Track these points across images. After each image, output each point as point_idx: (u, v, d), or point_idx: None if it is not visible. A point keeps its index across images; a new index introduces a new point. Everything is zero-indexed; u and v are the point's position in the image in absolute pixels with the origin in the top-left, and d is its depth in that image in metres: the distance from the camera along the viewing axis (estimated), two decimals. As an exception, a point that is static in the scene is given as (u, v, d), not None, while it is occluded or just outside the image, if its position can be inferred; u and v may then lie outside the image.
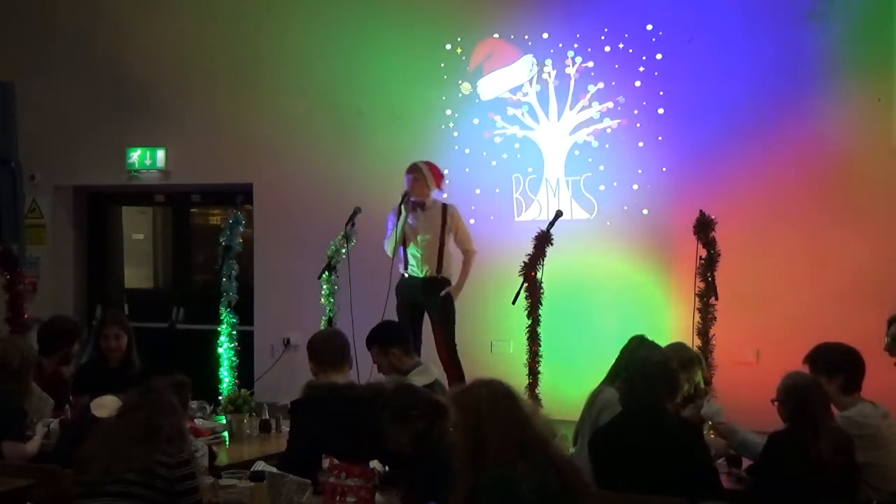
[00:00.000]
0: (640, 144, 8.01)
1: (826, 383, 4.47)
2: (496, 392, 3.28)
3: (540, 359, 6.96)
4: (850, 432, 4.28)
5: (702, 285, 6.67)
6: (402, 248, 7.37)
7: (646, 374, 4.28)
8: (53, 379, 5.71)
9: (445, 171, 8.27)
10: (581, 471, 3.37)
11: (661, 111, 7.94)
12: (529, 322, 6.93)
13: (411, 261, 7.36)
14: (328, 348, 5.00)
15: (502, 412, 3.20)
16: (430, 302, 7.30)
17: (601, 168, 8.12)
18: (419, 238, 7.32)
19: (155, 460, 3.75)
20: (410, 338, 5.41)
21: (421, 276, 7.34)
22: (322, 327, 7.23)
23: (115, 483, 3.72)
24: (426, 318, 7.41)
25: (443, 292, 7.27)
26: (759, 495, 4.30)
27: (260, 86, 9.19)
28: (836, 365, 4.58)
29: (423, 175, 7.36)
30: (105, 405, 4.58)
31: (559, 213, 7.24)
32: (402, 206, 7.33)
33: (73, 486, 3.85)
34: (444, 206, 7.39)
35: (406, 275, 7.39)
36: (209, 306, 8.15)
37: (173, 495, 3.75)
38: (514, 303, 6.91)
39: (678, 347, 5.18)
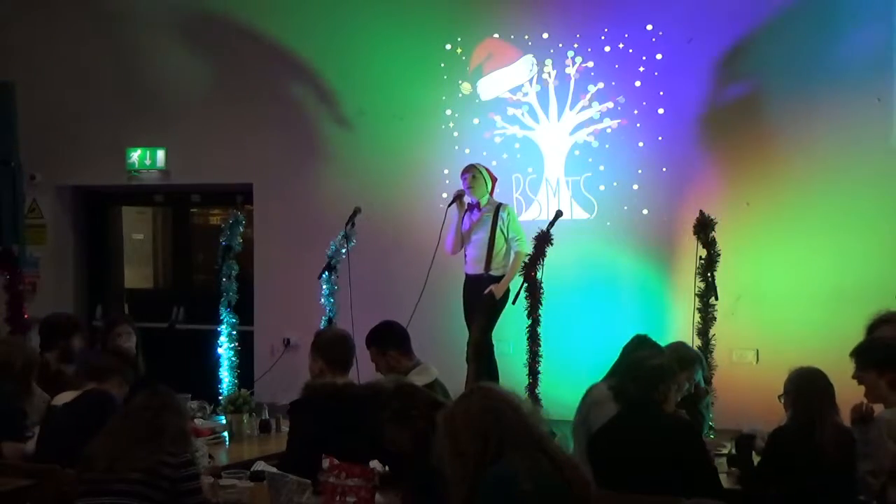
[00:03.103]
0: (640, 144, 8.01)
1: (875, 378, 4.41)
2: (494, 391, 3.28)
3: (540, 359, 6.97)
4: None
5: (702, 285, 6.67)
6: (465, 247, 7.38)
7: (642, 374, 4.28)
8: (55, 379, 5.70)
9: (445, 171, 8.31)
10: (581, 467, 3.37)
11: (661, 111, 7.93)
12: (529, 322, 6.94)
13: (467, 259, 7.37)
14: (341, 349, 5.03)
15: (497, 409, 3.20)
16: (476, 300, 7.29)
17: (601, 168, 8.12)
18: (473, 238, 7.32)
19: (159, 460, 3.76)
20: (409, 339, 5.41)
21: (471, 274, 7.34)
22: (322, 327, 7.24)
23: (119, 482, 3.73)
24: None
25: (486, 290, 7.20)
26: (761, 491, 4.30)
27: (260, 85, 9.18)
28: (886, 360, 4.45)
29: (482, 175, 7.36)
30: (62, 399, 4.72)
31: (559, 213, 7.25)
32: (456, 205, 7.36)
33: (77, 484, 3.86)
34: (499, 206, 7.36)
35: (466, 273, 7.40)
36: (209, 306, 8.15)
37: (176, 495, 3.76)
38: (513, 303, 6.91)
39: (678, 347, 5.19)
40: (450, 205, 7.43)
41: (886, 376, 4.42)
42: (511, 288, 7.19)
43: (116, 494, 3.71)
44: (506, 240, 7.28)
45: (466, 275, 7.39)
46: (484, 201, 7.36)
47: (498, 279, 7.24)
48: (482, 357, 7.17)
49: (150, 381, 5.31)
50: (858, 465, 4.20)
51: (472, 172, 7.38)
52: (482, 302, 7.20)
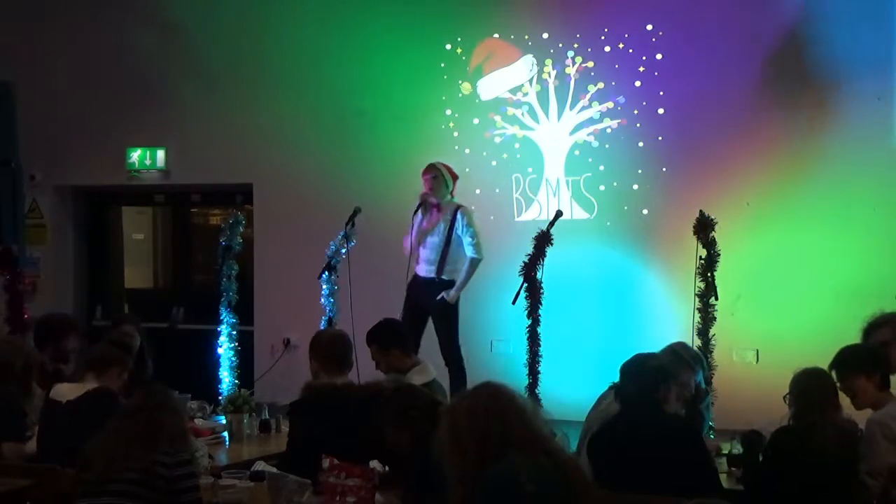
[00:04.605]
0: (640, 144, 8.01)
1: (864, 382, 4.39)
2: (497, 391, 3.28)
3: (540, 359, 6.96)
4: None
5: (702, 285, 6.66)
6: (418, 248, 7.38)
7: (642, 375, 4.28)
8: (54, 378, 5.69)
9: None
10: (583, 468, 3.37)
11: (661, 111, 7.93)
12: (529, 322, 6.93)
13: (420, 261, 7.37)
14: (337, 350, 5.05)
15: (501, 410, 3.20)
16: (429, 303, 7.31)
17: (601, 168, 8.12)
18: (428, 239, 7.32)
19: (155, 460, 3.76)
20: (411, 338, 5.42)
21: (423, 276, 7.35)
22: (322, 327, 7.24)
23: (115, 482, 3.73)
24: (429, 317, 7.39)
25: (439, 296, 7.26)
26: (761, 490, 4.29)
27: (260, 86, 9.19)
28: (874, 361, 4.46)
29: (442, 175, 7.36)
30: (62, 392, 4.77)
31: (559, 213, 7.24)
32: (421, 209, 7.35)
33: (76, 484, 3.86)
34: (457, 209, 7.36)
35: (415, 273, 7.40)
36: (209, 306, 8.15)
37: (173, 494, 3.76)
38: (514, 303, 6.90)
39: (678, 347, 5.18)
40: (415, 212, 7.40)
41: (875, 377, 4.42)
42: (467, 290, 7.21)
43: (114, 495, 3.71)
44: (461, 244, 7.29)
45: (416, 276, 7.38)
46: (444, 202, 7.36)
47: (449, 283, 7.27)
48: (458, 361, 7.19)
49: (151, 381, 5.35)
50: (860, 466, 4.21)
51: (433, 173, 7.37)
52: (437, 309, 7.25)
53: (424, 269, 7.35)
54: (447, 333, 7.28)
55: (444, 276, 7.29)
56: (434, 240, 7.30)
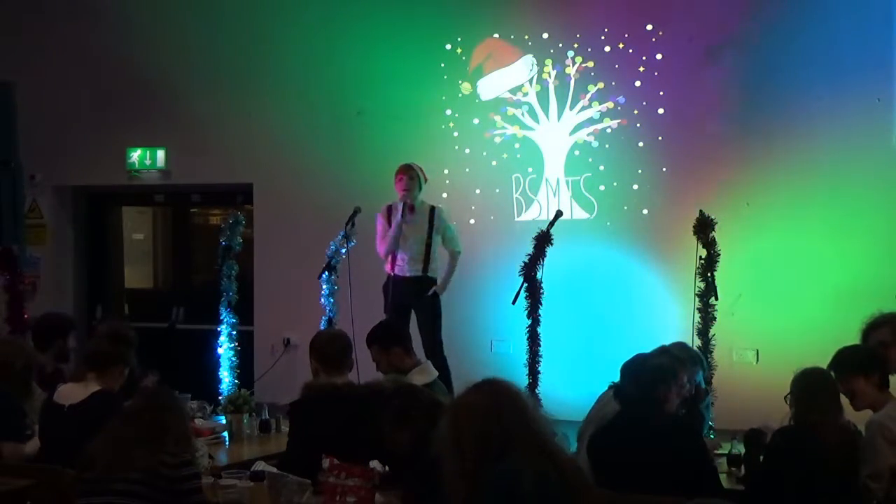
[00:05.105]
0: (640, 144, 8.02)
1: (863, 383, 4.40)
2: (501, 389, 3.28)
3: (540, 359, 6.96)
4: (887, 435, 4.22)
5: (702, 285, 6.67)
6: (397, 249, 7.39)
7: (642, 374, 4.28)
8: (55, 378, 5.70)
9: (445, 171, 8.32)
10: (583, 468, 3.37)
11: (661, 111, 7.94)
12: (529, 322, 6.93)
13: (399, 261, 7.38)
14: (333, 349, 5.04)
15: (502, 408, 3.20)
16: (416, 301, 7.33)
17: (601, 168, 8.12)
18: (410, 239, 7.36)
19: (158, 460, 3.75)
20: (410, 338, 5.43)
21: (408, 276, 7.36)
22: (322, 327, 7.24)
23: (118, 482, 3.72)
24: (413, 316, 7.40)
25: (430, 292, 7.32)
26: (760, 490, 4.29)
27: (260, 86, 9.18)
28: (872, 361, 4.46)
29: (418, 176, 7.41)
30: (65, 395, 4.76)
31: (559, 213, 7.25)
32: (403, 210, 7.35)
33: (77, 484, 3.86)
34: (432, 208, 7.44)
35: (393, 275, 7.41)
36: (209, 306, 8.15)
37: (176, 495, 3.75)
38: (514, 303, 6.91)
39: (678, 347, 5.18)
40: (402, 217, 7.38)
41: (873, 378, 4.42)
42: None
43: (116, 494, 3.71)
44: (442, 240, 7.39)
45: (397, 276, 7.38)
46: (418, 203, 7.40)
47: (434, 280, 7.38)
48: (441, 358, 7.19)
49: (141, 379, 5.35)
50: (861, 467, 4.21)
51: (409, 173, 7.42)
52: (426, 306, 7.31)
53: (408, 269, 7.38)
54: (432, 330, 7.33)
55: (429, 274, 7.37)
56: (417, 239, 7.35)
